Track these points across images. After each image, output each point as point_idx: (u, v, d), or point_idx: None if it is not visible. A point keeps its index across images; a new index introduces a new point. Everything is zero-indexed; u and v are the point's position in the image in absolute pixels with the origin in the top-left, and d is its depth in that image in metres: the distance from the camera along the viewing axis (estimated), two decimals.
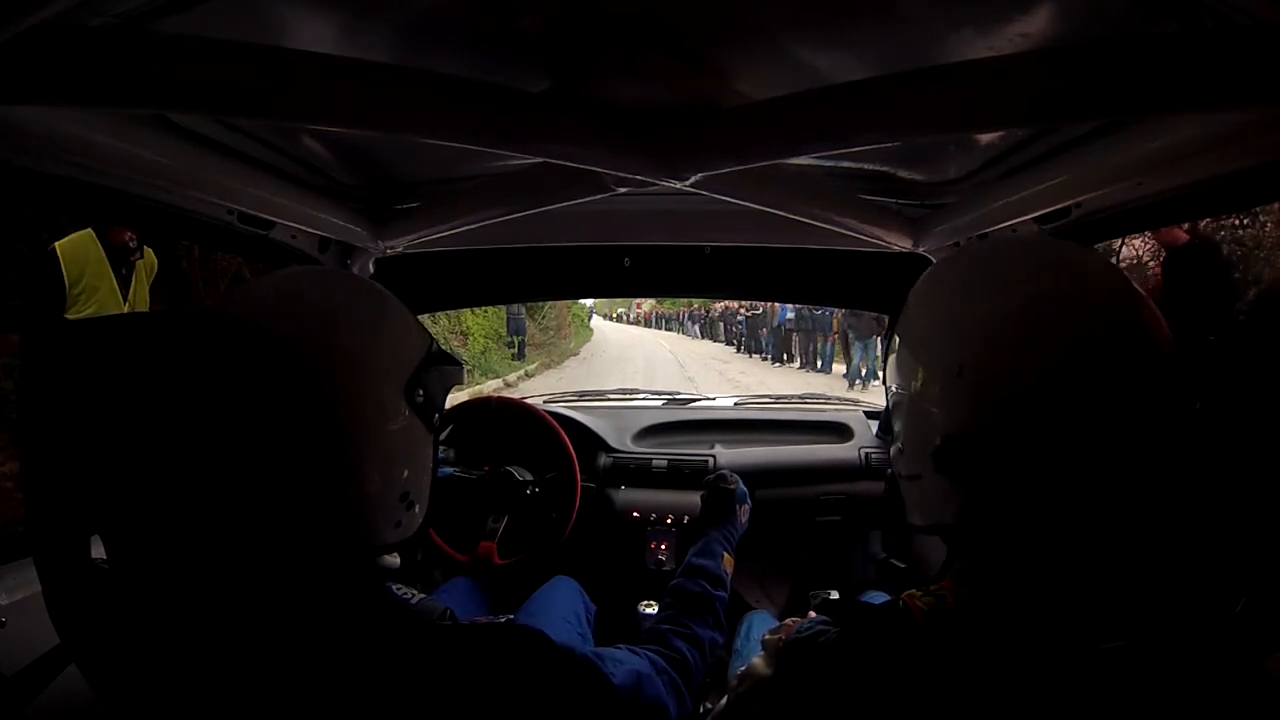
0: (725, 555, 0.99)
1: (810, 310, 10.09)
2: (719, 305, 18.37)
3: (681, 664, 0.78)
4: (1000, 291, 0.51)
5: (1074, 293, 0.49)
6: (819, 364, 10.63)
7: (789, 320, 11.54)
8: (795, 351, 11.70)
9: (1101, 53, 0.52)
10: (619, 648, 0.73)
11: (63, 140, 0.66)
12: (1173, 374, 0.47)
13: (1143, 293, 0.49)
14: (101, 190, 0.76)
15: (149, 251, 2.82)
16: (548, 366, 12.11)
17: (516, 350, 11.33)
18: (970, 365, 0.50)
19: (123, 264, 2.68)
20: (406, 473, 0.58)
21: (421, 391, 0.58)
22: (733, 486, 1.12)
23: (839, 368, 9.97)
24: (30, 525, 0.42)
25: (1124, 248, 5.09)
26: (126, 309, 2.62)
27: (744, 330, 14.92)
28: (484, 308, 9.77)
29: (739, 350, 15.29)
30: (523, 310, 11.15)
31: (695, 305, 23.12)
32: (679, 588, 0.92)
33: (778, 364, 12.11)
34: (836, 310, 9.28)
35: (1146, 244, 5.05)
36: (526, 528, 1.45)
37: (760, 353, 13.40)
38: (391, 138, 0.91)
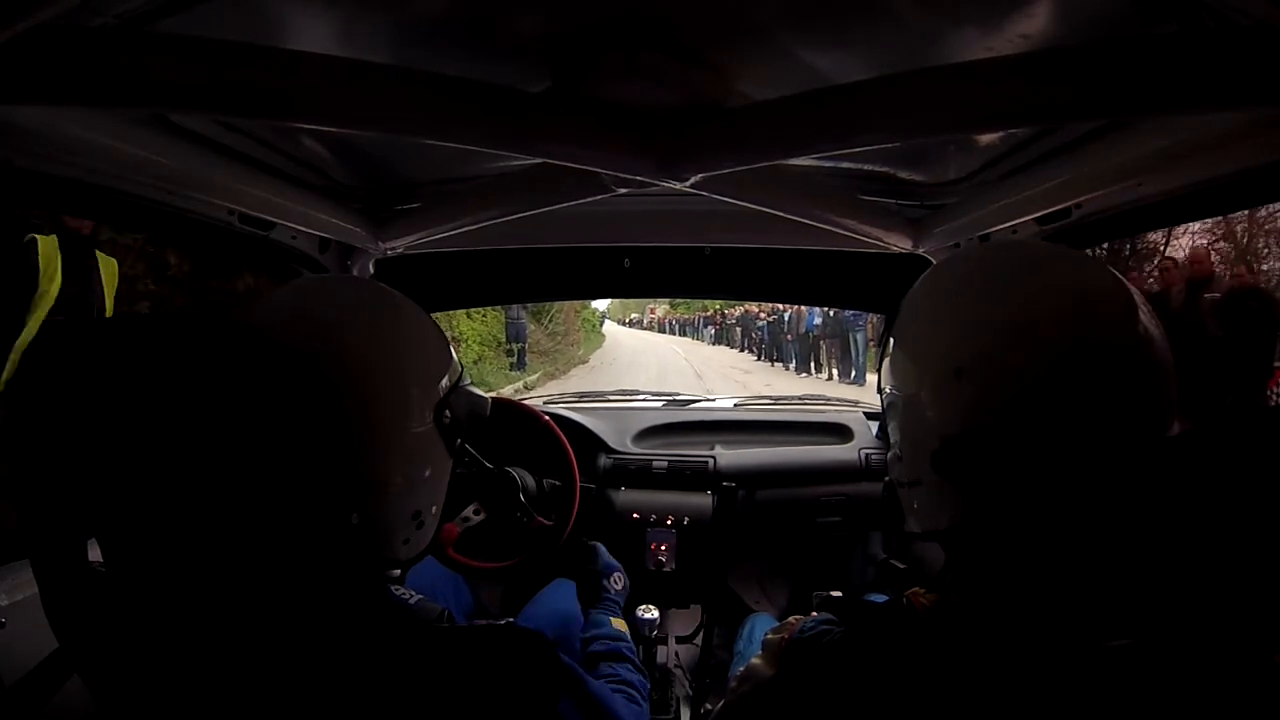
0: (611, 620, 0.92)
1: (839, 314, 9.10)
2: (736, 310, 17.57)
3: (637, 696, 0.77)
4: (999, 293, 0.51)
5: (1071, 295, 0.48)
6: (852, 374, 9.50)
7: (816, 327, 10.48)
8: (824, 360, 10.62)
9: (1101, 53, 0.52)
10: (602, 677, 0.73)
11: (63, 140, 0.66)
12: (1168, 376, 0.47)
13: (1140, 297, 0.48)
14: (101, 190, 0.76)
15: (108, 259, 2.74)
16: (551, 376, 10.98)
17: (516, 358, 10.12)
18: (968, 367, 0.50)
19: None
20: (421, 492, 0.59)
21: (449, 414, 0.60)
22: (596, 566, 1.01)
23: (872, 378, 9.34)
24: (27, 528, 0.41)
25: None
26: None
27: (765, 337, 13.95)
28: (481, 311, 9.46)
29: (759, 358, 14.38)
30: (523, 314, 10.29)
31: (711, 310, 22.42)
32: (591, 655, 0.85)
33: (804, 374, 11.13)
34: (870, 315, 8.75)
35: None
36: (525, 529, 1.44)
37: (783, 361, 12.50)
38: (391, 138, 0.91)
